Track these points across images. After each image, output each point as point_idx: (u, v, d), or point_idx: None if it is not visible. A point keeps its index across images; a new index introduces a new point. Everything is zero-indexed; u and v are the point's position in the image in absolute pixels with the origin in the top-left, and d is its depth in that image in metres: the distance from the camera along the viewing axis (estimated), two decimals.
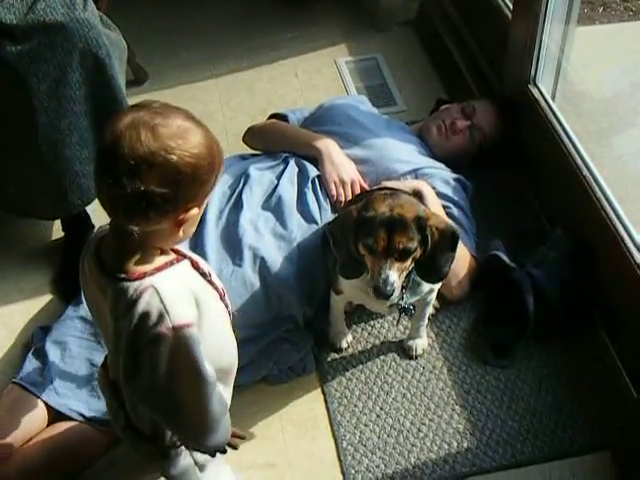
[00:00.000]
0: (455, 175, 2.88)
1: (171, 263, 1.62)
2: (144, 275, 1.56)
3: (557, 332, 2.63)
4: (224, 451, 1.88)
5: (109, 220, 1.60)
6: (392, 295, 2.16)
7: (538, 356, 2.60)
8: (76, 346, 2.46)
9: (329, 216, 2.66)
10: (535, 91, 2.95)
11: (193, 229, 1.64)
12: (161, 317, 1.52)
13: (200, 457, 1.87)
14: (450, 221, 2.47)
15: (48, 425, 2.35)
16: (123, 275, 1.56)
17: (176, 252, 1.67)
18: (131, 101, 2.71)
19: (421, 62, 3.85)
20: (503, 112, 3.06)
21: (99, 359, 2.37)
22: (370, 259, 2.19)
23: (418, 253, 2.18)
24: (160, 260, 1.61)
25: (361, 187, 2.72)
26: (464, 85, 3.52)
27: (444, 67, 3.74)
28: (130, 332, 1.54)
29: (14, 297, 2.83)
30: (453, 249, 2.25)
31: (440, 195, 2.74)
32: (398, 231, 2.13)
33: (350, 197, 2.69)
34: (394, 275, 2.15)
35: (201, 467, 1.89)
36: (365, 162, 2.80)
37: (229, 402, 1.83)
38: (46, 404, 2.34)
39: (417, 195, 2.56)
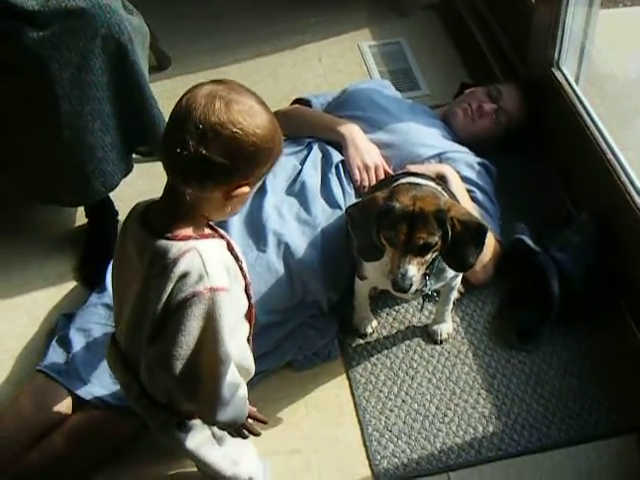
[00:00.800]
0: (479, 159, 2.87)
1: (212, 236, 1.70)
2: (189, 237, 1.63)
3: (582, 316, 2.61)
4: (245, 437, 1.91)
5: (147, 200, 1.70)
6: (410, 289, 2.15)
7: (563, 340, 2.59)
8: (100, 333, 2.45)
9: (353, 201, 2.65)
10: (559, 74, 2.93)
11: (240, 207, 1.74)
12: (201, 278, 1.59)
13: (218, 430, 1.89)
14: (476, 214, 2.47)
15: (72, 413, 2.34)
16: (168, 234, 1.62)
17: (215, 231, 1.74)
18: (154, 87, 2.74)
19: (445, 46, 3.83)
20: (528, 96, 3.04)
21: None
22: (390, 251, 2.19)
23: (439, 246, 2.17)
24: (204, 230, 1.69)
25: (385, 172, 2.71)
26: (488, 69, 3.50)
27: (468, 51, 3.72)
28: (165, 290, 1.60)
29: (38, 284, 2.84)
30: (479, 243, 2.23)
31: (464, 179, 2.73)
32: (419, 226, 2.12)
33: (374, 182, 2.68)
34: (413, 269, 2.14)
35: (219, 440, 1.90)
36: (389, 146, 2.79)
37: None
38: (70, 392, 2.34)
39: (441, 179, 2.55)
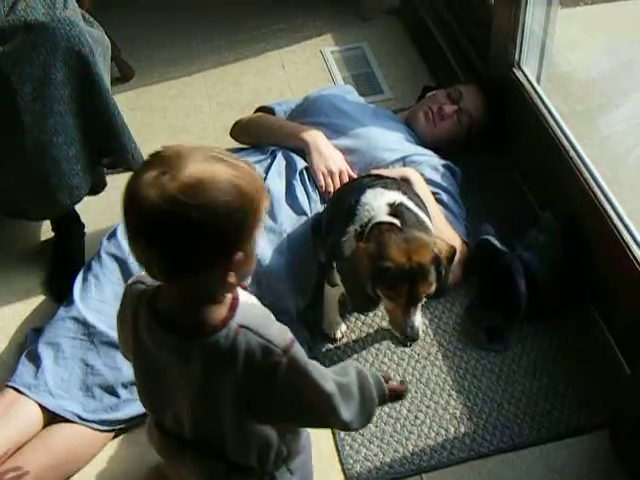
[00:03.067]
0: (443, 161, 2.88)
1: (236, 295, 1.56)
2: (226, 319, 1.52)
3: (550, 314, 2.63)
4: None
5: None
6: (419, 336, 2.19)
7: (532, 339, 2.60)
8: (69, 347, 2.44)
9: (318, 207, 2.66)
10: (520, 74, 2.95)
11: (248, 270, 1.52)
12: (266, 349, 1.50)
13: (294, 465, 1.83)
14: (441, 216, 2.56)
15: (43, 427, 2.33)
16: (209, 329, 1.50)
17: None
18: (118, 98, 2.72)
19: (407, 50, 3.84)
20: (489, 96, 3.06)
21: (93, 359, 2.42)
22: (391, 305, 2.18)
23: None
24: (228, 298, 1.54)
25: (350, 177, 2.72)
26: (450, 71, 3.51)
27: (430, 54, 3.74)
28: (239, 379, 1.52)
29: (6, 299, 2.81)
30: (452, 262, 2.25)
31: (429, 182, 2.74)
32: (420, 281, 2.11)
33: (339, 187, 2.69)
34: (418, 318, 2.17)
35: (293, 472, 1.85)
36: (353, 152, 2.80)
37: None
38: (41, 406, 2.32)
39: (405, 182, 2.56)
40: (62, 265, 2.89)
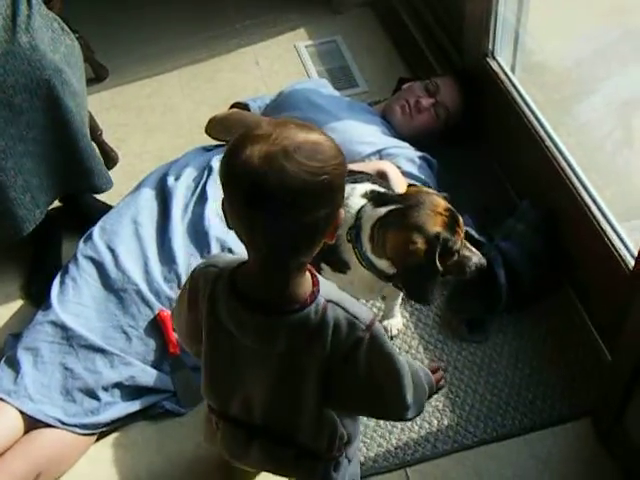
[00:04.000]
0: (420, 153, 2.87)
1: (312, 272, 1.57)
2: (314, 294, 1.53)
3: (530, 303, 2.63)
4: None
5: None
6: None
7: (513, 328, 2.60)
8: (48, 351, 2.43)
9: None
10: (494, 64, 2.93)
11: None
12: (352, 325, 1.53)
13: (350, 452, 1.89)
14: None
15: (24, 433, 2.32)
16: (297, 305, 1.51)
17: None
18: (92, 99, 2.70)
19: (381, 42, 3.81)
20: (466, 88, 3.05)
21: (72, 363, 2.41)
22: (457, 256, 2.17)
23: None
24: (308, 273, 1.55)
25: None
26: (426, 63, 3.50)
27: (405, 46, 3.71)
28: (325, 356, 1.54)
29: None
30: None
31: (406, 174, 2.72)
32: (458, 220, 2.15)
33: None
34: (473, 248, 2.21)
35: (350, 459, 1.91)
36: None
37: None
38: (21, 412, 2.31)
39: (382, 176, 2.55)
40: (40, 269, 2.87)
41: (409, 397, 1.72)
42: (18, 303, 2.80)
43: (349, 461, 1.90)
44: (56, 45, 2.58)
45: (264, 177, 1.33)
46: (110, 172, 3.16)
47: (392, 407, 1.76)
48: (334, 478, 1.84)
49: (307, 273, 1.54)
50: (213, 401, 1.81)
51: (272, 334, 1.54)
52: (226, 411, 1.78)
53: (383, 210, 2.17)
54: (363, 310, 1.58)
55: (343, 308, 1.54)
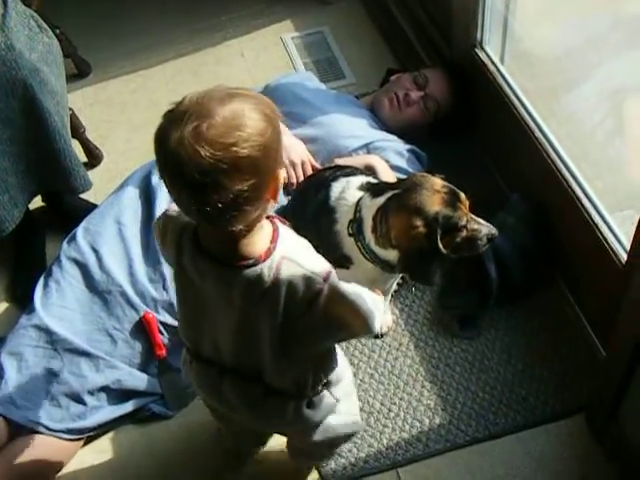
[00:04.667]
0: (408, 146, 2.83)
1: (275, 227, 1.61)
2: (270, 251, 1.56)
3: (521, 297, 2.60)
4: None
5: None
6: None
7: (505, 324, 2.57)
8: (32, 356, 2.40)
9: (283, 200, 2.59)
10: (482, 54, 2.88)
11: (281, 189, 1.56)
12: (309, 280, 1.56)
13: (338, 392, 1.91)
14: None
15: (10, 440, 2.30)
16: (251, 261, 1.54)
17: (269, 218, 1.63)
18: (75, 96, 2.65)
19: (369, 33, 3.76)
20: (455, 79, 3.00)
21: (57, 367, 2.38)
22: (466, 232, 2.14)
23: None
24: (268, 229, 1.59)
25: (313, 167, 2.67)
26: (414, 54, 3.44)
27: (393, 36, 3.66)
28: (281, 309, 1.58)
29: None
30: None
31: (394, 168, 2.68)
32: (459, 195, 2.13)
33: (302, 178, 2.63)
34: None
35: (338, 399, 1.93)
36: (314, 141, 2.75)
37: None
38: (6, 418, 2.28)
39: (370, 170, 2.51)
40: (24, 270, 2.84)
41: (373, 317, 1.71)
42: (2, 306, 2.77)
43: (337, 400, 1.91)
44: (33, 44, 2.53)
45: (180, 163, 1.37)
46: (94, 170, 3.16)
47: (359, 334, 1.91)
48: (307, 415, 1.85)
49: (267, 229, 1.58)
50: (186, 341, 1.86)
51: (228, 285, 1.58)
52: (198, 352, 1.83)
53: (382, 199, 2.14)
54: (319, 262, 1.60)
55: (299, 264, 1.56)
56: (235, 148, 1.37)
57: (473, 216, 2.15)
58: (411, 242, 2.07)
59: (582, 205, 2.38)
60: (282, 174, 1.52)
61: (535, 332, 2.54)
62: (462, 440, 2.32)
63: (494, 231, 2.16)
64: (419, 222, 2.04)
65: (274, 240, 1.57)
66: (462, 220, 2.10)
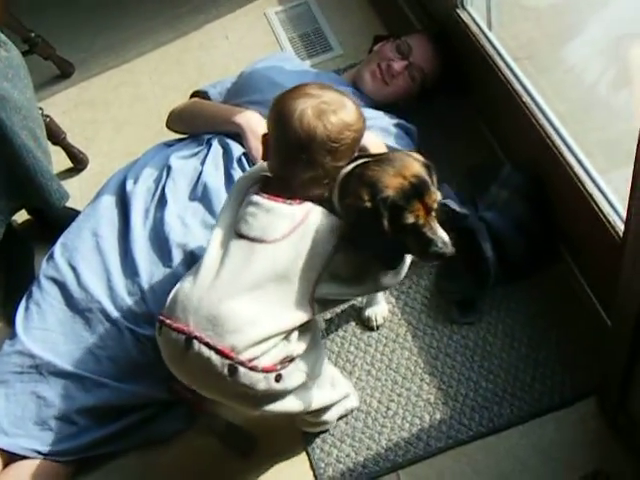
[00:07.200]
0: (395, 120, 2.69)
1: None
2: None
3: (522, 275, 2.45)
4: None
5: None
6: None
7: (507, 305, 2.42)
8: (18, 382, 2.34)
9: None
10: (465, 15, 2.71)
11: None
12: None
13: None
14: None
15: (3, 468, 2.25)
16: (289, 201, 1.89)
17: None
18: (59, 97, 2.55)
19: (355, 0, 3.59)
20: (439, 44, 2.84)
21: (44, 391, 2.32)
22: (413, 233, 1.90)
23: None
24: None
25: None
26: (404, 19, 3.27)
27: (379, 2, 3.49)
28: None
29: None
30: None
31: None
32: (425, 192, 1.88)
33: None
34: (443, 232, 1.92)
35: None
36: None
37: None
38: None
39: (362, 150, 2.35)
40: (14, 286, 2.79)
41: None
42: None
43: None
44: None
45: (314, 129, 1.83)
46: (80, 174, 3.08)
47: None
48: (275, 388, 1.88)
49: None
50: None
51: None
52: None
53: (350, 166, 1.95)
54: None
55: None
56: (352, 129, 1.92)
57: (435, 225, 1.92)
58: (351, 213, 1.90)
59: (575, 173, 2.21)
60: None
61: (539, 311, 2.39)
62: (465, 436, 2.19)
63: (448, 250, 1.91)
64: (366, 196, 1.85)
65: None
66: (409, 219, 1.87)
